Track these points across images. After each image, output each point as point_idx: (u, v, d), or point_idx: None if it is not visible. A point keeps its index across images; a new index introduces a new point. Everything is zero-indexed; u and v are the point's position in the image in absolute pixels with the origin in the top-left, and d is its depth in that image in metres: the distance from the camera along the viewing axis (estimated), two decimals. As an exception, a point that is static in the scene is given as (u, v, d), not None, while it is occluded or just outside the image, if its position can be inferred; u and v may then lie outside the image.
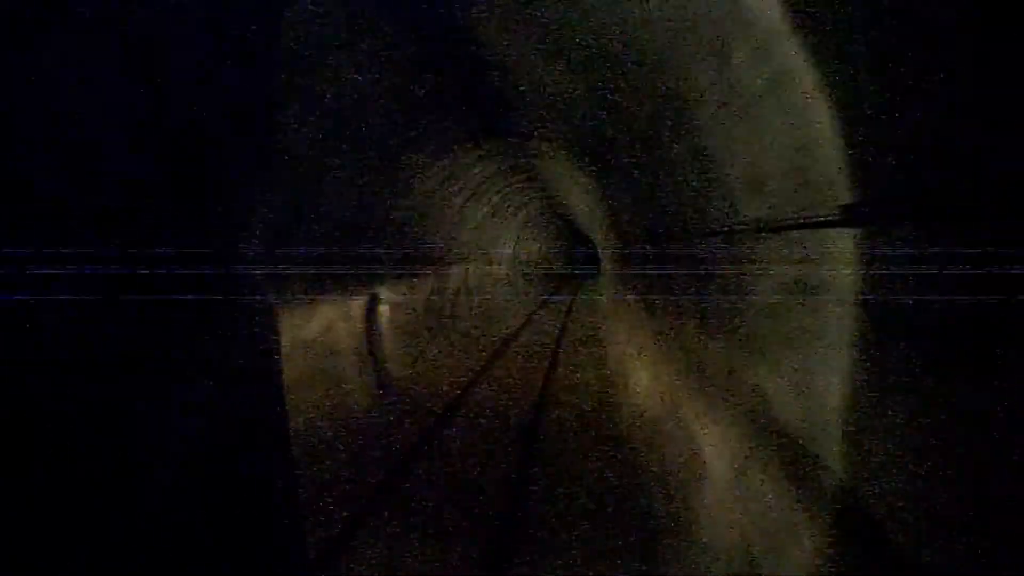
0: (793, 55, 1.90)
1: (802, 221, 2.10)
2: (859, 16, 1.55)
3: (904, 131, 1.49)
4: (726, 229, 3.02)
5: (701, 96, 2.85)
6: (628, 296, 8.05)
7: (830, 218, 1.87)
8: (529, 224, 20.23)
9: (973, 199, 1.31)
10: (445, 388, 8.28)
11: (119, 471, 2.45)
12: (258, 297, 3.62)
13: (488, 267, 15.55)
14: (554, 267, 28.91)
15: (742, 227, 2.79)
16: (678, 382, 4.53)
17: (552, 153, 8.74)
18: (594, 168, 7.25)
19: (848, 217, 1.78)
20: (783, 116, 2.13)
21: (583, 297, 19.50)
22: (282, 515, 3.47)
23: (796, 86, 1.95)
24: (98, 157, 2.35)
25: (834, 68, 1.73)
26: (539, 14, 4.10)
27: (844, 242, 1.84)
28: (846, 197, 1.79)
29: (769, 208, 2.45)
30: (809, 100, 1.91)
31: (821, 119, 1.85)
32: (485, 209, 13.02)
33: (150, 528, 2.54)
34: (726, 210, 3.00)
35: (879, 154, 1.62)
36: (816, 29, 1.76)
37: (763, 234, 2.53)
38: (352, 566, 3.79)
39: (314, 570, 3.73)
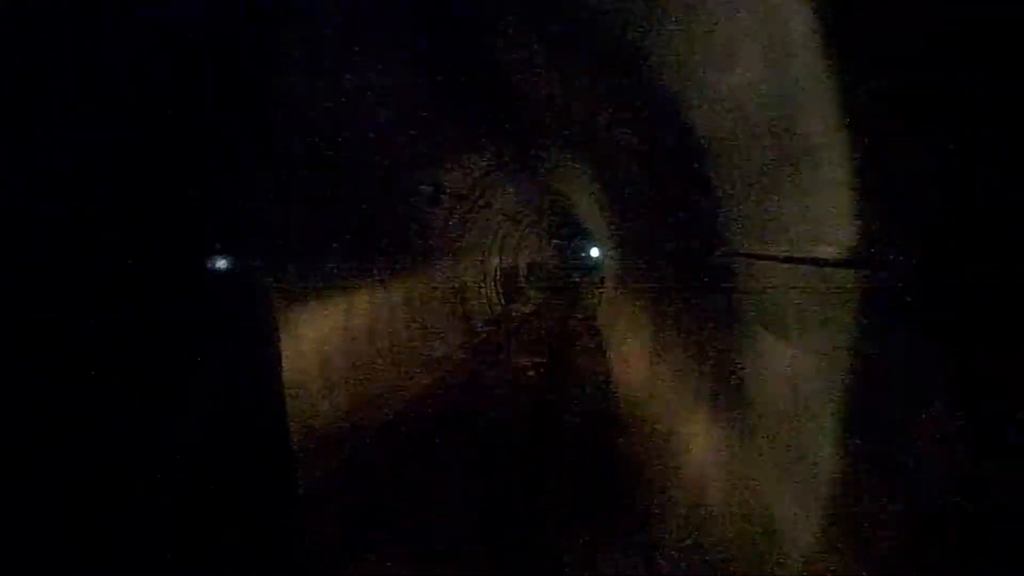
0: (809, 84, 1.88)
1: (808, 257, 2.09)
2: (885, 49, 1.53)
3: (923, 172, 1.48)
4: (731, 254, 3.02)
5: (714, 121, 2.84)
6: (633, 302, 8.03)
7: (835, 256, 1.87)
8: (533, 225, 20.16)
9: (984, 239, 1.30)
10: (446, 386, 8.28)
11: (117, 472, 2.44)
12: (257, 296, 3.62)
13: (490, 266, 15.53)
14: (558, 268, 28.85)
15: (752, 253, 2.78)
16: (679, 381, 4.52)
17: (560, 157, 8.74)
18: (602, 173, 7.25)
19: (853, 257, 1.77)
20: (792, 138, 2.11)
21: (585, 303, 19.18)
22: (281, 515, 3.47)
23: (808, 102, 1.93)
24: (94, 156, 2.34)
25: (854, 97, 1.70)
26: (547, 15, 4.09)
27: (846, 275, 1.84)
28: (852, 232, 1.78)
29: (777, 233, 2.44)
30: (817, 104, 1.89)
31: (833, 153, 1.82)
32: (488, 209, 13.01)
33: (146, 529, 2.54)
34: (736, 232, 2.99)
35: (892, 191, 1.60)
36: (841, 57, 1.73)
37: (770, 261, 2.52)
38: (350, 568, 3.79)
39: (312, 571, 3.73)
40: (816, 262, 2.06)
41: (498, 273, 16.85)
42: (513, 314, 16.13)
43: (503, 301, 16.88)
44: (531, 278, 23.83)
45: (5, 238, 2.00)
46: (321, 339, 6.26)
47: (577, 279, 25.85)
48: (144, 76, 2.47)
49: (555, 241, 27.51)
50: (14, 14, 1.91)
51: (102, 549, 2.34)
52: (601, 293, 15.22)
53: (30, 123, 2.07)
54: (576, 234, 26.26)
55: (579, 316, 15.19)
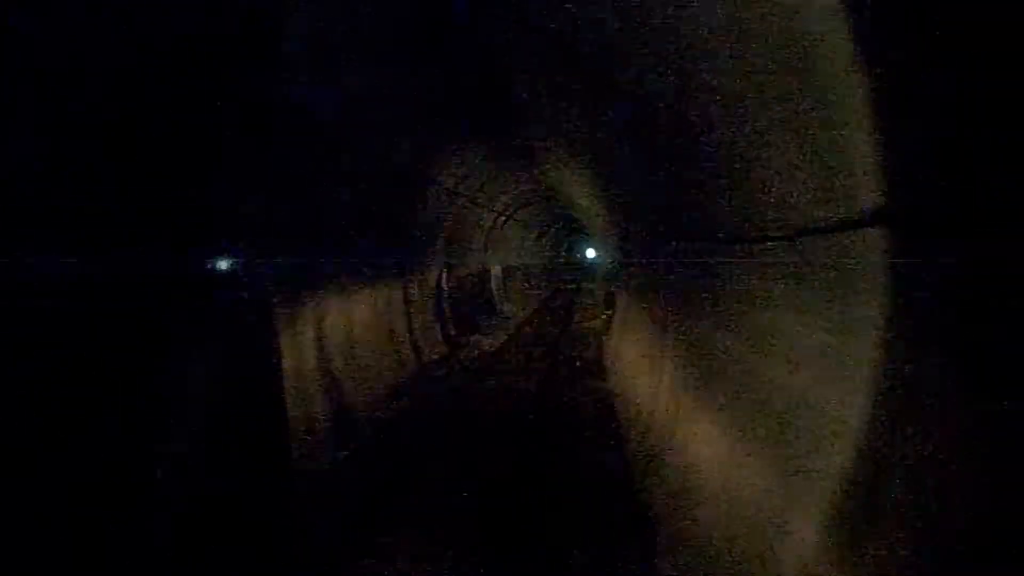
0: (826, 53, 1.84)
1: (825, 225, 2.06)
2: (904, 18, 1.52)
3: (944, 135, 1.47)
4: (744, 236, 2.98)
5: (721, 96, 2.81)
6: (637, 301, 7.99)
7: (858, 220, 1.83)
8: (534, 224, 20.01)
9: (1008, 206, 1.30)
10: (448, 387, 8.26)
11: (116, 473, 2.44)
12: (257, 297, 3.61)
13: (491, 266, 15.49)
14: (558, 267, 28.61)
15: (763, 234, 2.75)
16: (683, 382, 4.52)
17: (559, 153, 8.69)
18: (601, 169, 7.21)
19: (877, 220, 1.74)
20: (811, 121, 2.10)
21: (584, 301, 18.85)
22: (281, 515, 3.46)
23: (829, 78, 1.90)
24: (97, 159, 2.34)
25: (874, 66, 1.67)
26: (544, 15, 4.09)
27: (872, 246, 1.81)
28: (876, 201, 1.75)
29: (793, 213, 2.42)
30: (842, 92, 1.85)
31: (854, 120, 1.80)
32: (491, 209, 12.97)
33: (147, 529, 2.53)
34: (747, 215, 2.97)
35: (914, 159, 1.59)
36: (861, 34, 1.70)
37: (785, 241, 2.49)
38: (350, 568, 3.78)
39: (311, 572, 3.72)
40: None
41: (443, 290, 10.48)
42: (457, 361, 9.52)
43: (450, 336, 10.47)
44: (507, 283, 17.21)
45: (6, 238, 1.99)
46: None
47: (572, 284, 23.97)
48: (144, 76, 2.46)
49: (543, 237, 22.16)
50: (15, 14, 1.90)
51: (102, 550, 2.33)
52: (610, 318, 9.90)
53: (31, 124, 2.07)
54: (570, 229, 23.77)
55: (577, 363, 9.69)
